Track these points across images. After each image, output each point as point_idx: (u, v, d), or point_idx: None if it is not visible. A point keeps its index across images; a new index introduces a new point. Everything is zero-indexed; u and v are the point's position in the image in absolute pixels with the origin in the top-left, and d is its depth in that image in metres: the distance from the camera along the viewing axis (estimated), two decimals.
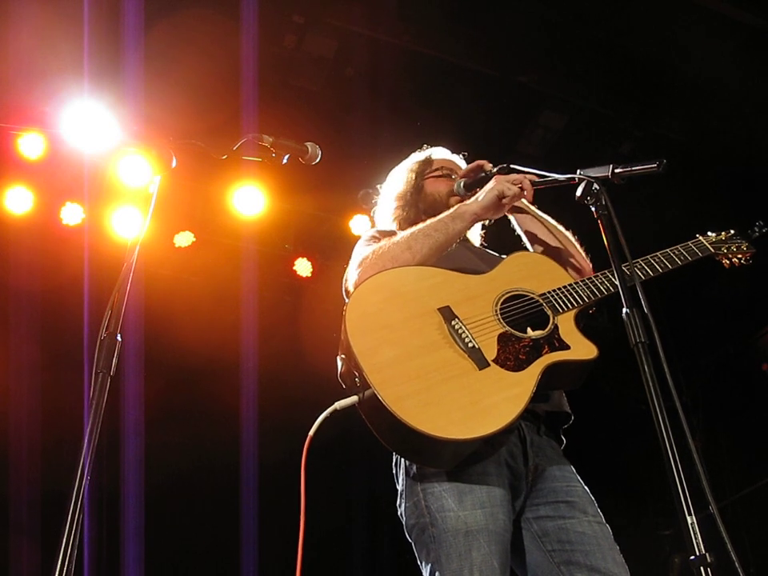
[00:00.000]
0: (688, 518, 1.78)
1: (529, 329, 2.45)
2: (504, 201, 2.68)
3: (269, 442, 5.97)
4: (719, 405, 6.98)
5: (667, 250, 2.73)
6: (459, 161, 3.17)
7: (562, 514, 2.42)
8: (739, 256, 2.86)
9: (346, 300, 2.59)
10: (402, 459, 2.48)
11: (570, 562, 2.35)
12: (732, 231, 2.90)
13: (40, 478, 5.48)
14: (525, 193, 2.68)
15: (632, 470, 6.76)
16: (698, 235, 2.86)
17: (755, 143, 5.90)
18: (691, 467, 1.83)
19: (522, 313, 2.50)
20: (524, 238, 2.96)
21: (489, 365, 2.33)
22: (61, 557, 1.72)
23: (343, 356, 2.39)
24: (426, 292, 2.48)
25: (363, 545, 6.68)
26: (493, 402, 2.25)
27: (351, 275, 2.64)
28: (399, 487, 2.50)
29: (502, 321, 2.45)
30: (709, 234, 2.88)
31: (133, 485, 5.75)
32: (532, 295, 2.54)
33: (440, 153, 3.18)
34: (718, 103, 5.80)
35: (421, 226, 2.63)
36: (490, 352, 2.36)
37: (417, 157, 3.17)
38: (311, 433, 2.30)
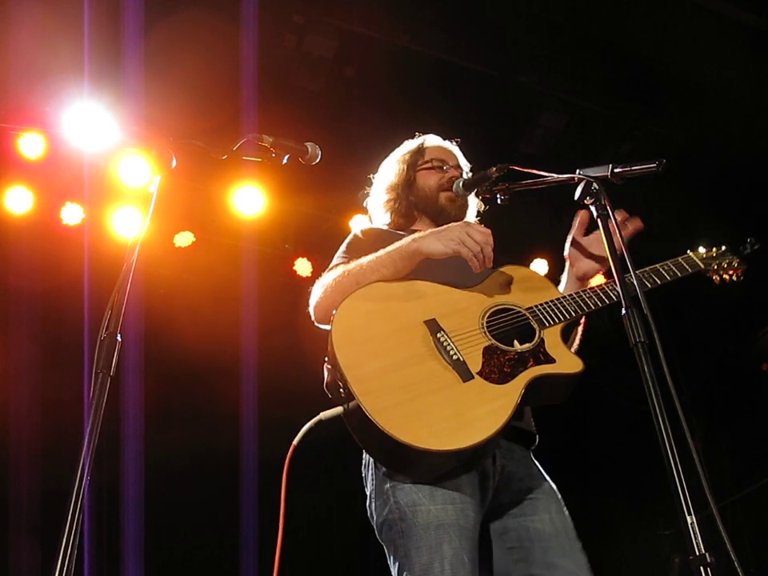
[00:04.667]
0: (688, 518, 1.77)
1: (516, 342, 2.45)
2: (461, 255, 2.51)
3: (269, 442, 5.96)
4: (719, 405, 6.98)
5: (656, 265, 2.74)
6: (452, 148, 3.14)
7: (525, 511, 2.44)
8: (730, 272, 2.86)
9: (312, 316, 2.59)
10: (371, 460, 2.47)
11: (527, 559, 2.37)
12: (723, 247, 2.91)
13: (40, 477, 5.48)
14: (477, 259, 2.49)
15: (632, 470, 6.76)
16: (688, 251, 2.86)
17: (755, 143, 5.90)
18: (691, 467, 1.83)
19: (509, 326, 2.50)
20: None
21: (473, 377, 2.33)
22: (61, 557, 1.72)
23: (329, 366, 2.39)
24: (413, 305, 2.48)
25: (352, 549, 6.66)
26: (476, 414, 2.26)
27: (312, 298, 2.62)
28: (368, 488, 2.49)
29: (487, 334, 2.45)
30: (699, 249, 2.88)
31: (133, 485, 5.74)
32: (519, 309, 2.55)
33: (432, 141, 3.13)
34: (719, 103, 5.80)
35: (372, 258, 2.55)
36: (475, 365, 2.36)
37: (409, 145, 3.13)
38: (295, 442, 2.31)
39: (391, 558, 2.37)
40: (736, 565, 1.76)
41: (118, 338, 2.00)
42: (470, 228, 2.53)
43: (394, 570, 2.35)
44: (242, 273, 6.12)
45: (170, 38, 5.06)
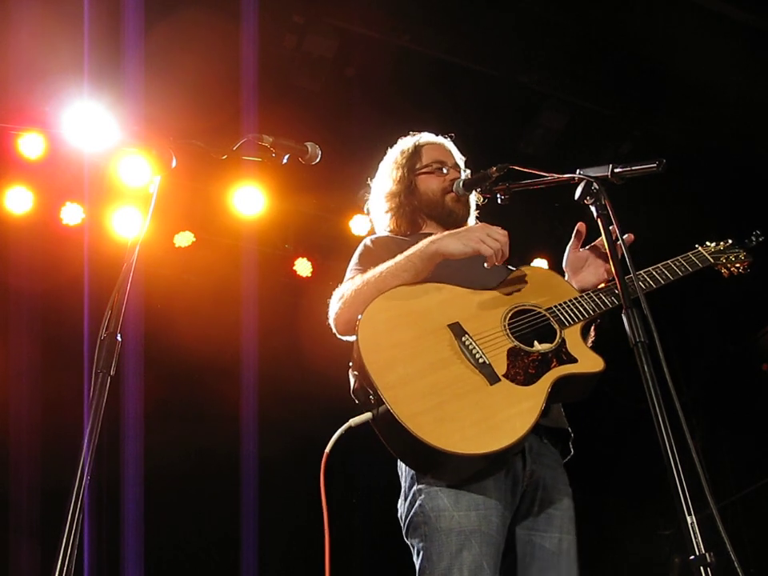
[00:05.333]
0: (688, 518, 1.78)
1: (536, 343, 2.47)
2: (481, 252, 2.53)
3: (269, 442, 5.97)
4: (719, 405, 6.98)
5: (668, 261, 2.76)
6: (447, 145, 3.13)
7: (537, 525, 2.46)
8: (738, 265, 2.90)
9: (333, 329, 2.61)
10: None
11: (521, 574, 2.41)
12: (730, 241, 2.93)
13: (40, 477, 5.48)
14: (495, 257, 2.51)
15: (632, 470, 6.76)
16: (697, 245, 2.88)
17: (755, 144, 5.90)
18: (691, 467, 1.83)
19: (530, 327, 2.52)
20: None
21: (499, 380, 2.35)
22: (61, 557, 1.72)
23: (356, 373, 2.41)
24: (436, 309, 2.51)
25: (368, 549, 6.66)
26: (505, 417, 2.28)
27: (331, 311, 2.63)
28: (402, 488, 2.53)
29: (510, 336, 2.47)
30: (707, 243, 2.90)
31: (133, 484, 5.74)
32: (539, 309, 2.56)
33: (427, 139, 3.12)
34: (718, 104, 5.79)
35: (390, 264, 2.55)
36: (500, 367, 2.38)
37: (404, 146, 3.11)
38: (327, 450, 2.32)
39: (415, 559, 2.41)
40: (736, 565, 1.76)
41: (118, 338, 2.01)
42: (489, 229, 2.57)
43: (417, 570, 2.38)
44: (242, 273, 6.12)
45: (170, 37, 5.06)
